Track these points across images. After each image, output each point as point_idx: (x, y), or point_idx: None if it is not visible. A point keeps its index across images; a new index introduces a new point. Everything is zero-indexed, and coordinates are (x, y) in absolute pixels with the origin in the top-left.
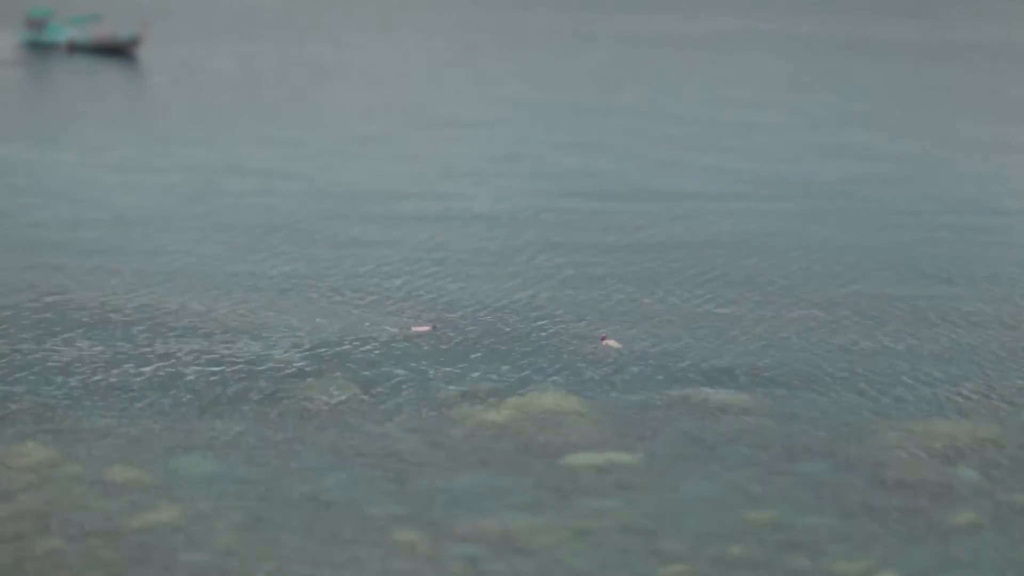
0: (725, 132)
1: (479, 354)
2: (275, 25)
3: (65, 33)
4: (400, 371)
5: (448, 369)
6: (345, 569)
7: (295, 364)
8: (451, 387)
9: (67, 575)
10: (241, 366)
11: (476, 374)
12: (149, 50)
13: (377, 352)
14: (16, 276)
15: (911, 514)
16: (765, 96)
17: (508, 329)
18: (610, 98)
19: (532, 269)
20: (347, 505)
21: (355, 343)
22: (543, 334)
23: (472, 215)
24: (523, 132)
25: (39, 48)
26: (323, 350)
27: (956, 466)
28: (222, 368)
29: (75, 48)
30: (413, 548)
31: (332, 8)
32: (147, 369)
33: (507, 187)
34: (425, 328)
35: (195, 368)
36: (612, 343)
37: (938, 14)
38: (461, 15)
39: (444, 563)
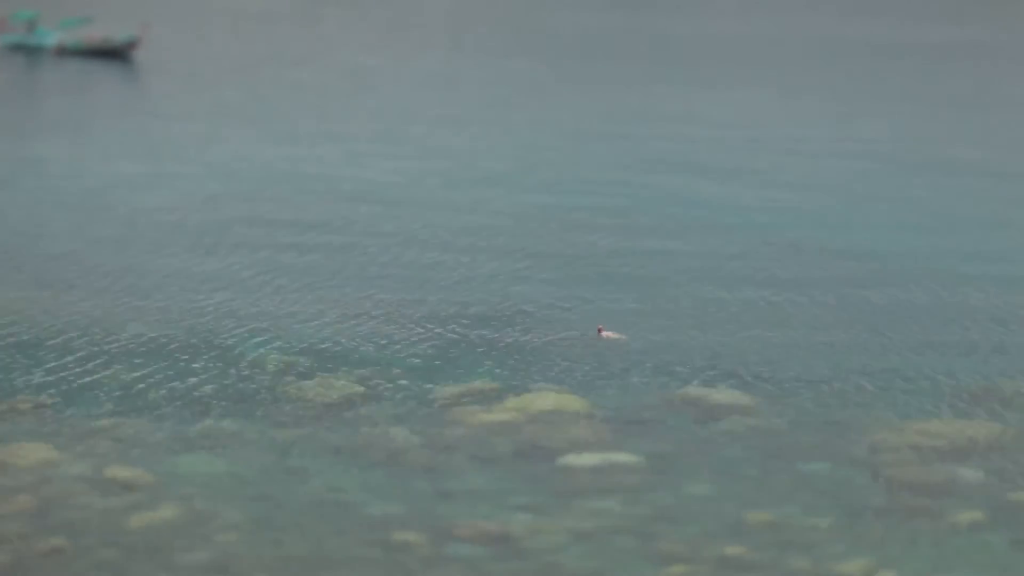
0: (733, 137)
1: (479, 354)
2: (277, 24)
3: (54, 36)
4: (400, 371)
5: (448, 369)
6: (345, 569)
7: (295, 364)
8: (451, 387)
9: (67, 575)
10: (241, 366)
11: (476, 374)
12: (147, 52)
13: (377, 352)
14: (15, 278)
15: (911, 514)
16: (771, 100)
17: (508, 328)
18: (629, 103)
19: (533, 268)
20: (347, 505)
21: (355, 343)
22: (543, 333)
23: (471, 213)
24: (524, 132)
25: (25, 52)
26: (323, 350)
27: (956, 466)
28: (222, 368)
29: (65, 51)
30: (413, 548)
31: (341, 8)
32: (147, 369)
33: (505, 187)
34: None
35: (195, 368)
36: (610, 334)
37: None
38: (470, 15)
39: (444, 563)
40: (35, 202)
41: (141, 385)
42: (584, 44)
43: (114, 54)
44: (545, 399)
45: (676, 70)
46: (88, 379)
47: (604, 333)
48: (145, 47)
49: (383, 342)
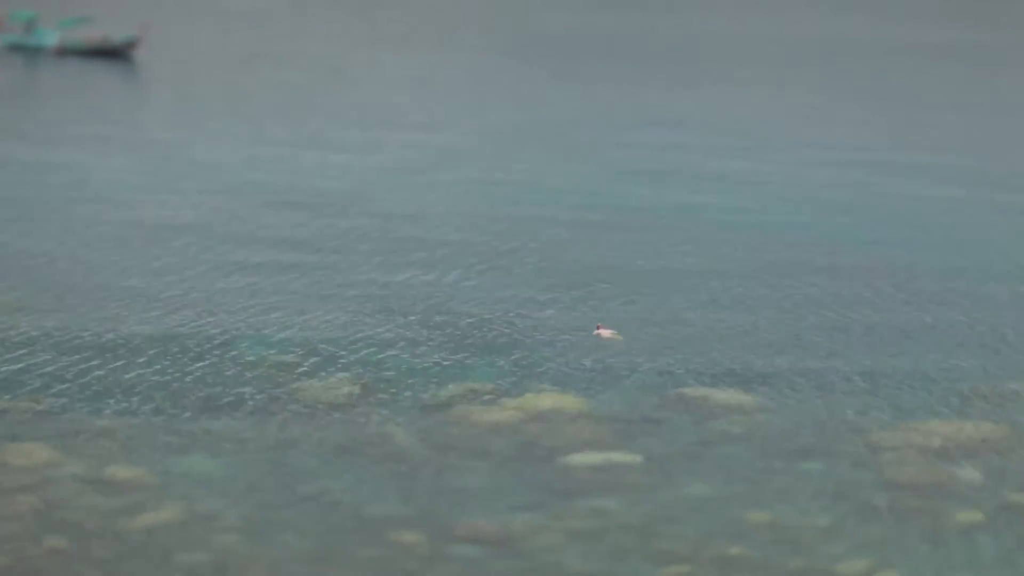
0: (730, 137)
1: (479, 354)
2: (279, 24)
3: (53, 36)
4: (400, 371)
5: (448, 369)
6: (345, 569)
7: (295, 364)
8: (451, 387)
9: (67, 575)
10: (241, 366)
11: (476, 374)
12: (148, 52)
13: (377, 352)
14: (15, 278)
15: (911, 514)
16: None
17: (507, 328)
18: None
19: (531, 268)
20: (347, 505)
21: (355, 343)
22: (543, 333)
23: (470, 213)
24: (518, 131)
25: (24, 52)
26: (323, 350)
27: (956, 466)
28: (222, 368)
29: (65, 51)
30: (413, 548)
31: (345, 8)
32: (147, 369)
33: (502, 187)
34: (608, 333)
35: (195, 368)
36: (607, 333)
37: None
38: (470, 16)
39: (444, 563)
40: (34, 202)
41: (141, 385)
42: (578, 44)
43: (114, 54)
44: (545, 399)
45: (670, 70)
46: (88, 379)
47: (601, 331)
48: (145, 47)
49: (383, 342)
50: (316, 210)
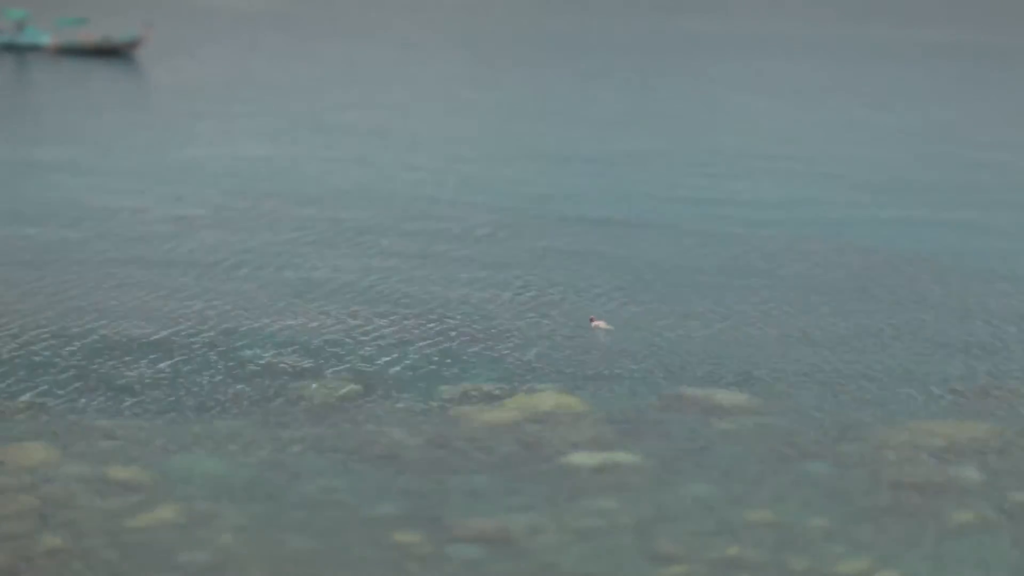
0: (730, 132)
1: (479, 354)
2: (278, 24)
3: (46, 35)
4: (400, 371)
5: (448, 369)
6: (345, 569)
7: (295, 364)
8: (451, 387)
9: (67, 575)
10: (241, 366)
11: (476, 374)
12: (146, 52)
13: (377, 352)
14: (15, 278)
15: (911, 514)
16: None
17: (507, 328)
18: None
19: (531, 269)
20: (347, 505)
21: (355, 343)
22: (542, 333)
23: (469, 215)
24: (523, 130)
25: (16, 52)
26: (323, 350)
27: (956, 466)
28: (222, 368)
29: (62, 51)
30: (413, 548)
31: (345, 8)
32: (147, 369)
33: (504, 186)
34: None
35: (195, 368)
36: (601, 324)
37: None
38: (473, 21)
39: (444, 563)
40: (33, 202)
41: (141, 385)
42: (571, 45)
43: (115, 53)
44: (545, 399)
45: (664, 69)
46: (88, 379)
47: (596, 323)
48: (144, 46)
49: (383, 342)
50: (318, 209)
